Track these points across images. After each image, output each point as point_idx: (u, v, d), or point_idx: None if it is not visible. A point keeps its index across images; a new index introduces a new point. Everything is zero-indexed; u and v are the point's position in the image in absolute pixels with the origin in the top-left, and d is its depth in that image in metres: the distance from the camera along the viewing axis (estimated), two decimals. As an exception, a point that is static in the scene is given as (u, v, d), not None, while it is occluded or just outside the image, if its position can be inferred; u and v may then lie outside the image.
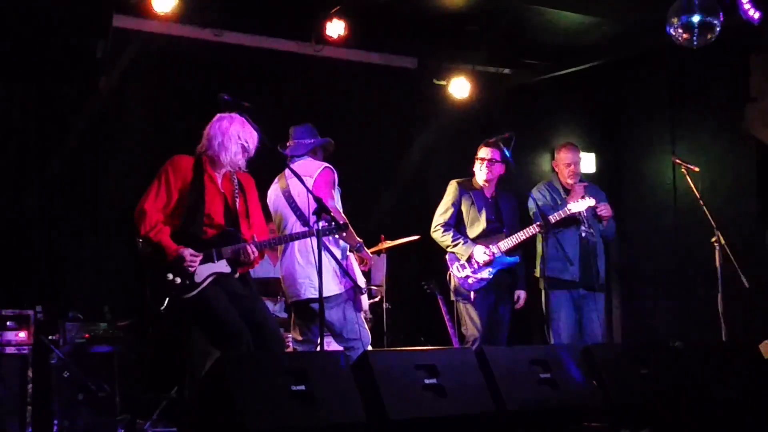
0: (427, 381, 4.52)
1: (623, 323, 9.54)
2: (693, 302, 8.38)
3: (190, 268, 4.92)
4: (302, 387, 4.17)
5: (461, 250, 6.71)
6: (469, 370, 4.73)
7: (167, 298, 4.92)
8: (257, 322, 5.00)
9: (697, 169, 7.03)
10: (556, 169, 7.16)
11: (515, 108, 9.20)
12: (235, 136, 5.12)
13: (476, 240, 6.73)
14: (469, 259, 6.68)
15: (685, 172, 7.03)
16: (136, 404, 6.24)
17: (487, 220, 6.74)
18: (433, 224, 6.88)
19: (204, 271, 4.98)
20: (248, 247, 5.05)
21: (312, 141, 5.99)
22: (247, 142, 5.15)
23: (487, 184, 6.81)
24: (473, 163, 6.84)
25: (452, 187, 6.89)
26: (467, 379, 4.67)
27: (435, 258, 8.26)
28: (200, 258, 4.95)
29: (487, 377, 4.73)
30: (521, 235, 6.62)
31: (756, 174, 8.53)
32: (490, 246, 6.64)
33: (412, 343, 7.81)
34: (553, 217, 6.60)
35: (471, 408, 4.58)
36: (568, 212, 6.65)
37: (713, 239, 6.76)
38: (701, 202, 6.86)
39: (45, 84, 7.23)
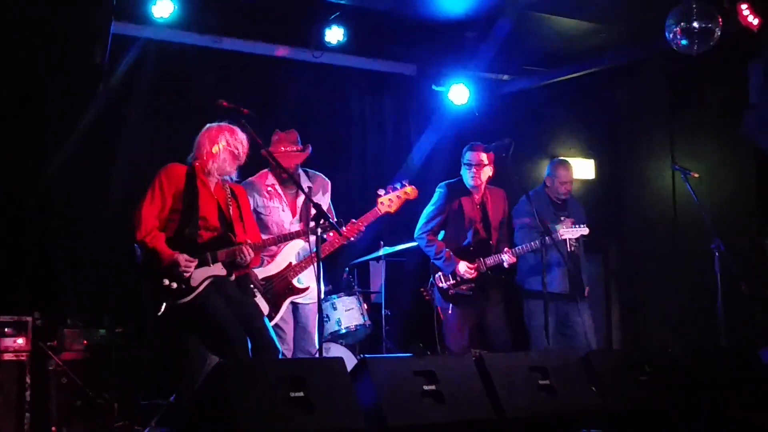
0: (425, 387, 4.51)
1: (622, 329, 9.52)
2: (692, 308, 8.36)
3: (185, 274, 4.92)
4: (300, 393, 4.16)
5: (443, 266, 6.61)
6: (468, 376, 4.72)
7: (164, 304, 4.92)
8: (254, 328, 5.00)
9: (696, 175, 7.04)
10: (548, 183, 7.18)
11: (514, 114, 9.20)
12: (224, 144, 5.14)
13: (460, 255, 6.63)
14: (453, 273, 6.60)
15: (684, 178, 7.02)
16: (134, 411, 6.22)
17: (473, 235, 6.67)
18: (418, 229, 6.77)
19: (200, 275, 4.97)
20: (244, 248, 5.05)
21: None
22: (237, 149, 5.17)
23: (476, 189, 6.73)
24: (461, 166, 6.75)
25: (441, 192, 6.79)
26: (466, 385, 4.66)
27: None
28: (195, 263, 4.95)
29: (486, 384, 4.72)
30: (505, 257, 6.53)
31: (755, 180, 8.51)
32: (477, 261, 6.57)
33: (411, 349, 7.78)
34: (535, 244, 6.54)
35: (470, 414, 4.57)
36: (560, 238, 6.68)
37: (713, 245, 6.75)
38: (700, 208, 6.85)
39: (43, 90, 7.22)
